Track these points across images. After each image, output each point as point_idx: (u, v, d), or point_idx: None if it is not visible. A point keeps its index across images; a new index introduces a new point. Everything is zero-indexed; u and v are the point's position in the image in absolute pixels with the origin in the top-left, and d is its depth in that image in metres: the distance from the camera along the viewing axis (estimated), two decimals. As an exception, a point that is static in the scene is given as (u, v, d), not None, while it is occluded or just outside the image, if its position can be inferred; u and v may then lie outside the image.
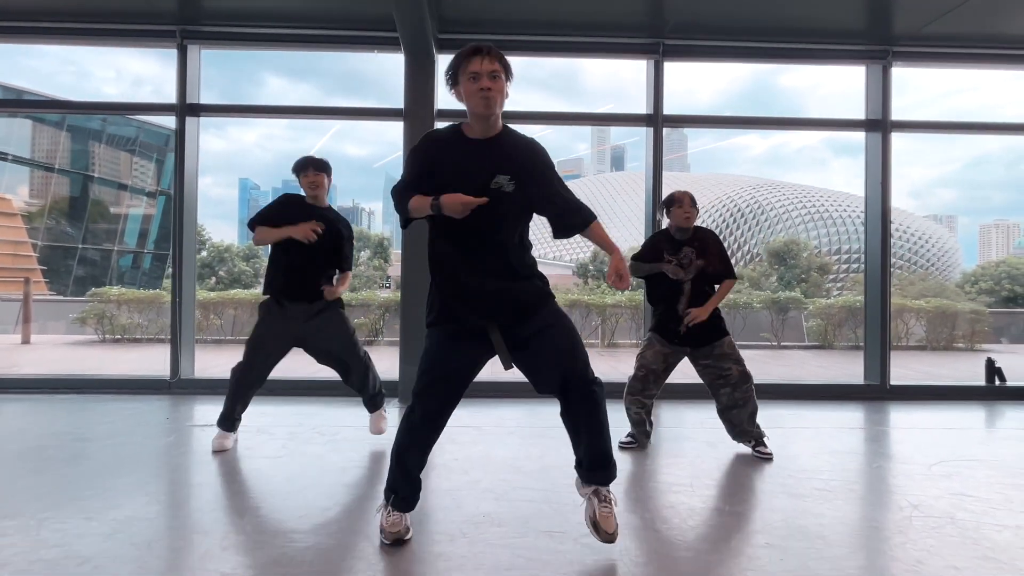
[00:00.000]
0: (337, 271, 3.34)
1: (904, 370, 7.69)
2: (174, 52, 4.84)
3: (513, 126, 2.11)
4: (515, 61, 2.05)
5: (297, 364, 3.37)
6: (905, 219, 54.97)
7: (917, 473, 2.97)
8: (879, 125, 5.05)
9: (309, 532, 2.18)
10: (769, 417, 3.30)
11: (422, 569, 1.92)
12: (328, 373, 3.48)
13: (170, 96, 4.92)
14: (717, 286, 3.26)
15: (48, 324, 12.89)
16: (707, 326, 3.20)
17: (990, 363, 5.30)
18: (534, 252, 2.18)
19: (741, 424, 3.24)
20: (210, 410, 4.15)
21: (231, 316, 11.23)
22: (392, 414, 3.59)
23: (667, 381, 3.38)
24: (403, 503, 2.12)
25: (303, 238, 3.02)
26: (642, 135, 5.14)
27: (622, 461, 3.11)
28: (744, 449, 3.32)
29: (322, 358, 3.31)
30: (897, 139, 5.11)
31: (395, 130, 4.99)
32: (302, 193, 3.25)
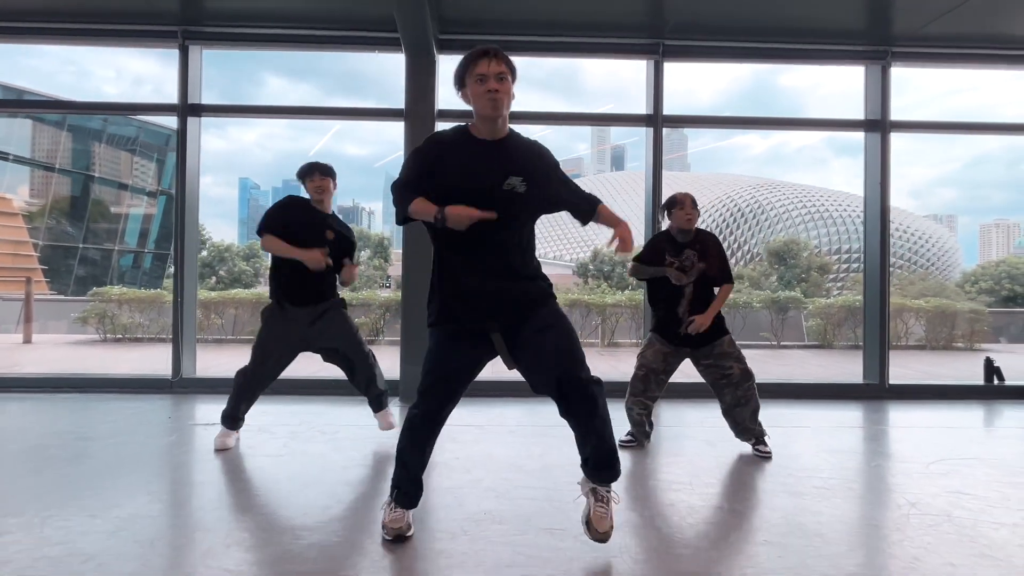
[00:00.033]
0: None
1: (903, 369, 7.70)
2: (174, 51, 4.86)
3: (513, 126, 2.12)
4: (515, 61, 2.07)
5: (298, 363, 3.38)
6: (905, 219, 54.97)
7: (915, 471, 2.98)
8: (878, 125, 5.07)
9: (312, 530, 2.20)
10: (769, 416, 3.31)
11: (424, 566, 1.94)
12: (329, 372, 3.50)
13: (170, 95, 4.94)
14: (717, 289, 3.28)
15: (49, 324, 12.91)
16: (707, 326, 3.21)
17: (989, 362, 5.31)
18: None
19: (744, 422, 3.25)
20: (212, 409, 4.16)
21: (232, 316, 11.25)
22: (394, 412, 3.60)
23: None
24: (405, 499, 2.14)
25: (313, 267, 3.03)
26: (642, 135, 5.16)
27: (622, 460, 3.11)
28: (743, 448, 3.33)
29: (328, 356, 3.34)
30: (897, 139, 5.13)
31: (395, 130, 5.01)
32: (305, 196, 3.27)
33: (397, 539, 2.08)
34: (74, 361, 8.33)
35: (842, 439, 3.63)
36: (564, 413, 2.05)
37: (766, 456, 3.19)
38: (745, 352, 3.30)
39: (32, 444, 3.29)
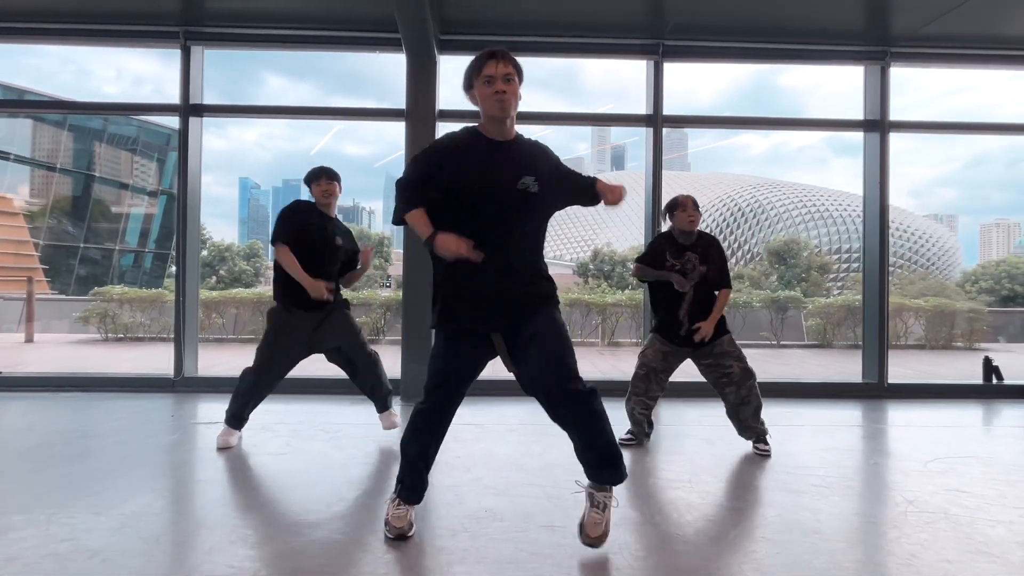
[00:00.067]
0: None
1: (903, 369, 7.73)
2: (175, 51, 4.89)
3: (515, 126, 2.14)
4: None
5: (301, 363, 3.41)
6: (906, 218, 54.99)
7: (913, 470, 3.01)
8: (877, 125, 5.09)
9: (314, 526, 2.22)
10: (768, 415, 3.33)
11: (425, 562, 1.96)
12: (331, 372, 3.52)
13: (171, 94, 4.97)
14: (717, 292, 3.30)
15: (51, 323, 12.95)
16: (711, 332, 3.22)
17: (987, 361, 5.34)
18: None
19: (747, 420, 3.27)
20: (214, 408, 4.20)
21: (232, 315, 11.28)
22: (397, 412, 3.62)
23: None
24: (409, 494, 2.16)
25: (314, 296, 3.07)
26: (642, 135, 5.18)
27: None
28: (742, 446, 3.35)
29: (332, 357, 3.38)
30: (897, 138, 5.16)
31: (395, 130, 5.03)
32: (310, 199, 3.30)
33: (399, 538, 2.10)
34: (76, 360, 8.36)
35: (841, 438, 3.65)
36: (554, 420, 2.07)
37: (765, 454, 3.21)
38: (745, 351, 3.32)
39: (36, 442, 3.31)
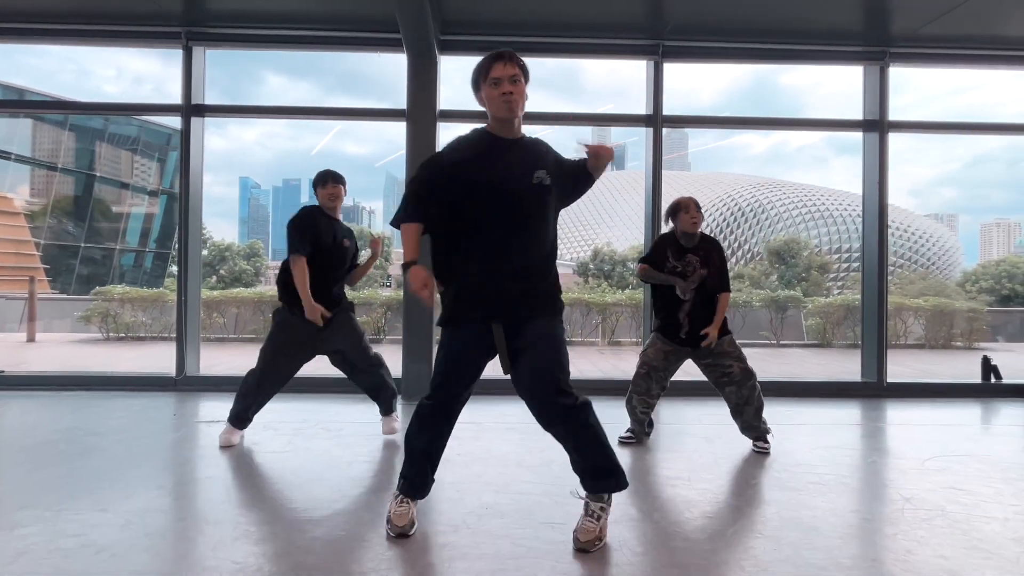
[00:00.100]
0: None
1: (902, 368, 7.75)
2: (176, 51, 4.91)
3: None
4: (517, 62, 2.11)
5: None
6: (906, 218, 54.99)
7: (911, 468, 3.03)
8: (876, 125, 5.11)
9: (317, 523, 2.25)
10: (768, 414, 3.36)
11: (427, 558, 1.99)
12: (332, 370, 3.54)
13: (171, 93, 5.01)
14: (717, 296, 3.31)
15: (53, 323, 12.98)
16: (709, 324, 3.25)
17: (986, 361, 5.36)
18: None
19: (749, 420, 3.30)
20: (216, 406, 4.22)
21: (233, 315, 11.31)
22: (399, 416, 3.63)
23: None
24: (410, 488, 2.20)
25: (309, 318, 3.10)
26: (642, 135, 5.20)
27: (621, 456, 3.16)
28: (741, 444, 3.38)
29: (335, 360, 3.41)
30: (898, 138, 5.18)
31: (395, 129, 5.04)
32: (315, 203, 3.34)
33: (400, 536, 2.12)
34: (78, 359, 8.39)
35: (839, 436, 3.68)
36: (547, 431, 2.10)
37: (764, 452, 3.24)
38: (745, 351, 3.34)
39: (41, 440, 3.34)
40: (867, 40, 5.03)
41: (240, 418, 3.29)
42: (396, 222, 2.10)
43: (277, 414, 3.95)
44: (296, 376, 3.36)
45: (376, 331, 10.88)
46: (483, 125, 2.16)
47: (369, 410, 3.78)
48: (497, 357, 2.13)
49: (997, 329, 14.38)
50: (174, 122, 5.08)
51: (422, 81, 4.76)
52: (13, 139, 25.90)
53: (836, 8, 4.59)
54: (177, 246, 5.01)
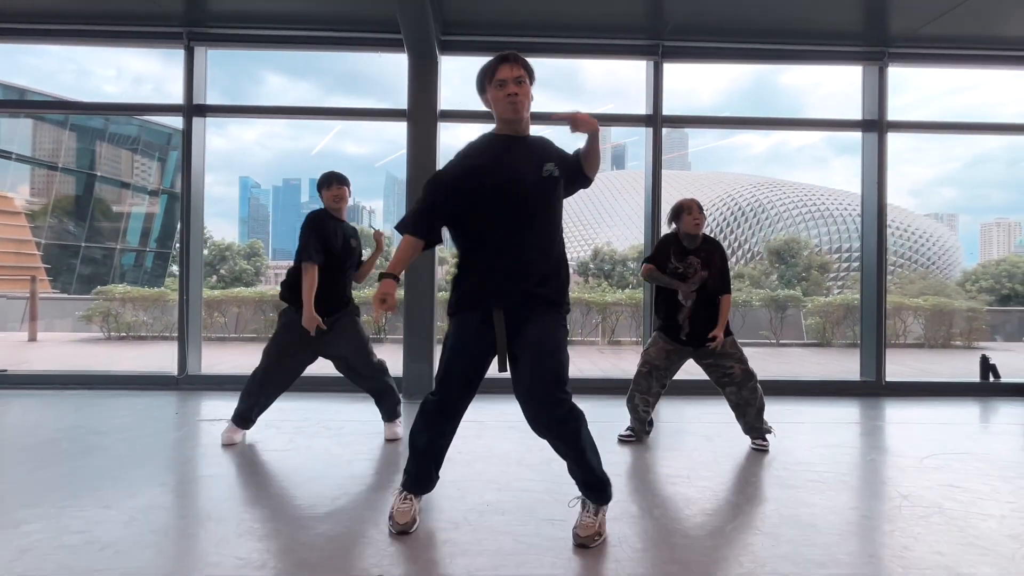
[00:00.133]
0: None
1: (901, 367, 7.76)
2: (176, 51, 4.93)
3: None
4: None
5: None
6: (906, 218, 54.98)
7: (909, 466, 3.05)
8: (875, 125, 5.13)
9: (320, 520, 2.27)
10: (767, 413, 3.37)
11: (429, 554, 2.01)
12: (333, 369, 3.55)
13: (171, 93, 5.02)
14: (719, 298, 3.33)
15: (54, 322, 13.01)
16: (710, 326, 3.27)
17: (984, 360, 5.38)
18: None
19: (751, 421, 3.32)
20: (218, 405, 4.24)
21: (234, 314, 11.33)
22: (401, 424, 3.63)
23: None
24: (413, 483, 2.22)
25: (305, 326, 3.13)
26: (642, 134, 5.22)
27: (621, 454, 3.21)
28: (740, 443, 3.40)
29: (339, 365, 3.40)
30: (898, 138, 5.19)
31: (395, 129, 5.07)
32: (319, 207, 3.37)
33: (401, 534, 2.14)
34: (79, 359, 8.41)
35: (838, 435, 3.69)
36: (540, 436, 2.11)
37: (763, 449, 3.26)
38: (745, 350, 3.35)
39: (44, 439, 3.36)
40: (866, 40, 5.05)
41: (243, 418, 3.31)
42: (399, 227, 2.15)
43: (278, 413, 3.97)
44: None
45: (377, 330, 10.90)
46: (491, 129, 2.19)
47: (369, 409, 3.80)
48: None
49: (996, 328, 14.41)
50: (175, 122, 5.10)
51: (423, 81, 4.78)
52: (14, 139, 25.93)
53: (835, 8, 4.60)
54: (178, 246, 5.02)
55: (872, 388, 5.07)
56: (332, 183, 3.33)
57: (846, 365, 8.05)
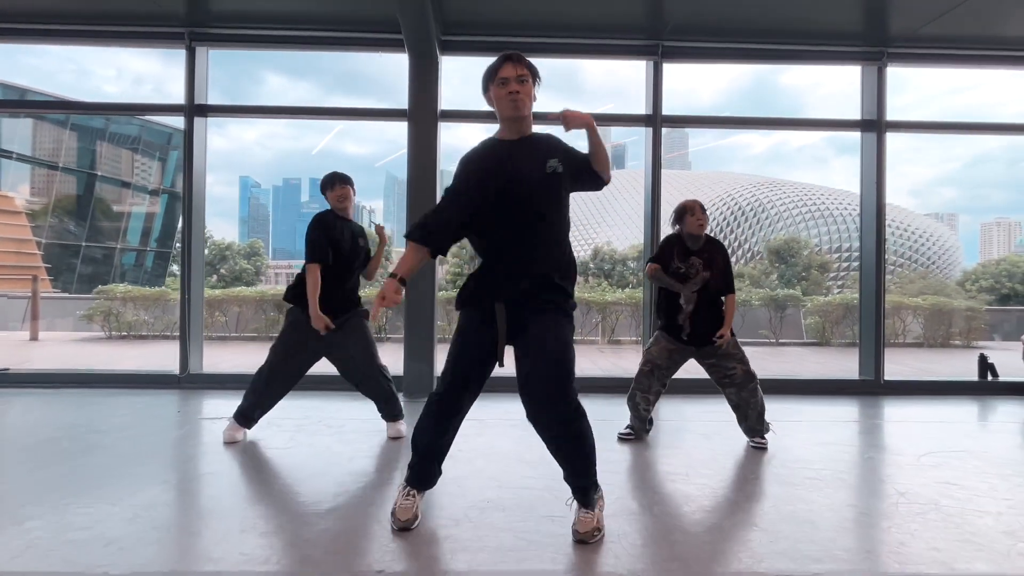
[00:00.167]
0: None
1: (900, 366, 7.78)
2: (177, 51, 4.95)
3: None
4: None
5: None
6: (906, 217, 54.95)
7: (906, 464, 3.07)
8: (874, 125, 5.14)
9: (322, 516, 2.29)
10: (767, 411, 3.39)
11: (430, 550, 2.03)
12: (333, 368, 3.56)
13: (171, 93, 5.04)
14: (723, 297, 3.34)
15: (55, 321, 13.03)
16: (711, 326, 3.28)
17: (983, 359, 5.40)
18: None
19: (752, 422, 3.34)
20: (219, 404, 4.26)
21: (235, 313, 11.35)
22: (404, 423, 3.65)
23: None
24: (415, 478, 2.24)
25: (314, 327, 3.15)
26: (642, 134, 5.23)
27: (621, 452, 3.23)
28: (739, 441, 3.42)
29: (339, 366, 3.41)
30: (898, 137, 5.21)
31: (395, 129, 5.08)
32: (319, 207, 3.39)
33: (403, 530, 2.16)
34: (80, 358, 8.43)
35: (837, 433, 3.71)
36: (538, 432, 2.13)
37: (761, 447, 3.28)
38: (745, 349, 3.37)
39: (46, 437, 3.37)
40: (866, 40, 5.06)
41: (245, 416, 3.33)
42: (407, 235, 2.16)
43: (280, 411, 3.96)
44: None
45: (378, 330, 10.92)
46: (493, 134, 2.21)
47: (369, 407, 3.81)
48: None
49: (994, 328, 14.42)
50: (175, 122, 5.12)
51: (423, 81, 4.79)
52: (15, 138, 25.95)
53: (835, 8, 4.62)
54: (178, 245, 5.04)
55: (871, 387, 5.09)
56: (336, 184, 3.34)
57: (845, 364, 8.06)
